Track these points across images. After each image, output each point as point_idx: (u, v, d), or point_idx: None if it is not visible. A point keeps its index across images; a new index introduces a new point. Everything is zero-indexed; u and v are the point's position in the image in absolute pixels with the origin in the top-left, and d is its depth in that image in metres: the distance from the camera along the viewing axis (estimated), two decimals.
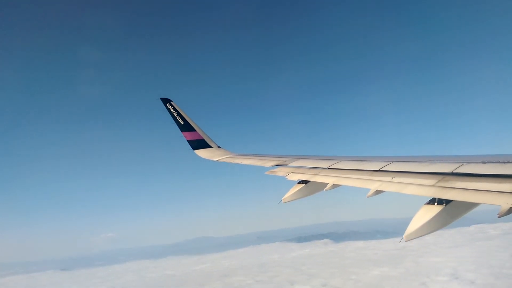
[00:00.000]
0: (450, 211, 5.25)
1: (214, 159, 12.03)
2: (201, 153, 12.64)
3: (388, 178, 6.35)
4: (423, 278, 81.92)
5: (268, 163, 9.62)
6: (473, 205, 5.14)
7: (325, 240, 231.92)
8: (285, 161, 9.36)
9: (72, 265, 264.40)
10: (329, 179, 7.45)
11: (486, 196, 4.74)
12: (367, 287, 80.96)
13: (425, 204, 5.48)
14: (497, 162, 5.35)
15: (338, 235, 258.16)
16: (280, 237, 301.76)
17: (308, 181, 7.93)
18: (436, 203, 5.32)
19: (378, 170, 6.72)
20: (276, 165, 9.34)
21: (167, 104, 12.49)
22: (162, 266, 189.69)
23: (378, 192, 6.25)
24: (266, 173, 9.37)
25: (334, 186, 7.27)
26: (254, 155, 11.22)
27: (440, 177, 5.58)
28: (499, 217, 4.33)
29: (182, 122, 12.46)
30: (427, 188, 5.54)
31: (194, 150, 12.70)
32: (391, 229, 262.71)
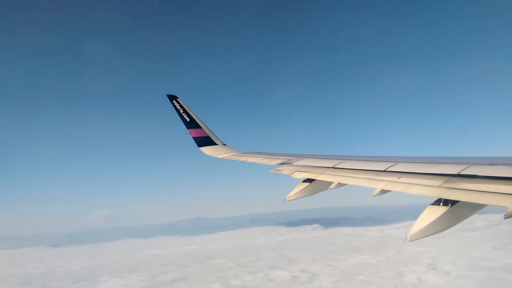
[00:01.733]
0: (456, 212, 5.24)
1: (219, 157, 12.19)
2: (207, 150, 12.79)
3: (394, 179, 6.40)
4: (401, 268, 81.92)
5: (273, 161, 9.73)
6: (479, 206, 5.16)
7: (315, 225, 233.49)
8: (290, 159, 9.44)
9: (64, 242, 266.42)
10: (334, 178, 7.54)
11: (493, 197, 4.70)
12: (343, 274, 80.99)
13: (430, 204, 5.47)
14: (503, 164, 5.31)
15: (329, 220, 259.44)
16: (272, 221, 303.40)
17: (313, 180, 8.03)
18: (441, 204, 5.31)
19: (384, 171, 6.76)
20: (281, 164, 9.43)
21: (174, 101, 12.57)
22: (151, 245, 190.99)
23: (383, 191, 6.28)
24: (271, 171, 9.45)
25: (339, 185, 7.34)
26: (259, 153, 11.36)
27: (446, 178, 5.54)
28: (505, 218, 4.35)
29: (188, 119, 12.58)
30: (433, 189, 5.50)
31: (199, 147, 12.85)
32: (382, 216, 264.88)
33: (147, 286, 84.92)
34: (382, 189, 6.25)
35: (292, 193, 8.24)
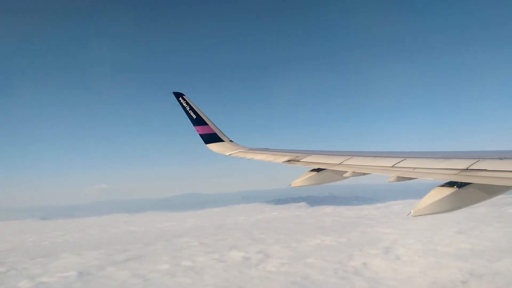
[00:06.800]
0: (463, 195, 5.26)
1: (226, 154, 12.29)
2: (213, 147, 12.83)
3: (410, 169, 6.38)
4: (355, 251, 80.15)
5: (281, 158, 9.84)
6: (489, 192, 5.18)
7: (301, 203, 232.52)
8: (298, 156, 9.57)
9: (54, 215, 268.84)
10: (345, 169, 7.65)
11: (507, 180, 4.63)
12: (296, 256, 79.42)
13: (438, 186, 5.55)
14: None
15: (317, 199, 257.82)
16: (263, 198, 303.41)
17: (321, 169, 8.18)
18: (455, 186, 5.32)
19: (392, 167, 6.75)
20: (289, 161, 9.53)
21: (180, 98, 12.63)
22: (132, 221, 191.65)
23: (400, 178, 6.25)
24: (284, 164, 9.57)
25: (355, 174, 7.40)
26: (266, 149, 11.49)
27: (456, 172, 5.54)
28: None
29: (194, 116, 12.61)
30: (447, 176, 5.52)
31: (206, 144, 12.86)
32: (371, 196, 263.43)
33: (99, 264, 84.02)
34: (398, 176, 6.25)
35: (298, 180, 8.42)
